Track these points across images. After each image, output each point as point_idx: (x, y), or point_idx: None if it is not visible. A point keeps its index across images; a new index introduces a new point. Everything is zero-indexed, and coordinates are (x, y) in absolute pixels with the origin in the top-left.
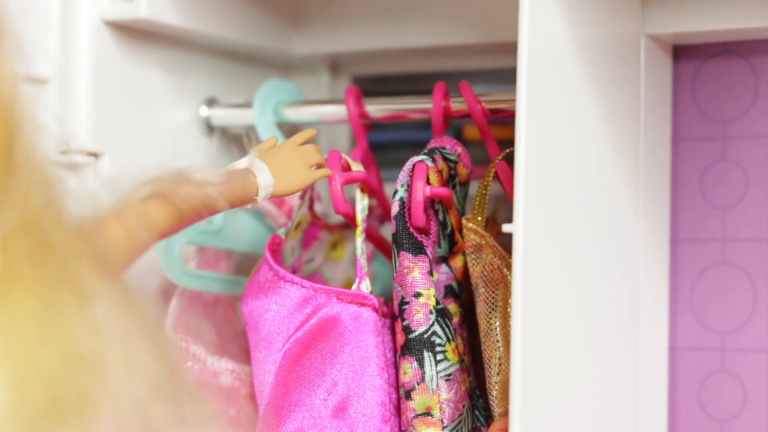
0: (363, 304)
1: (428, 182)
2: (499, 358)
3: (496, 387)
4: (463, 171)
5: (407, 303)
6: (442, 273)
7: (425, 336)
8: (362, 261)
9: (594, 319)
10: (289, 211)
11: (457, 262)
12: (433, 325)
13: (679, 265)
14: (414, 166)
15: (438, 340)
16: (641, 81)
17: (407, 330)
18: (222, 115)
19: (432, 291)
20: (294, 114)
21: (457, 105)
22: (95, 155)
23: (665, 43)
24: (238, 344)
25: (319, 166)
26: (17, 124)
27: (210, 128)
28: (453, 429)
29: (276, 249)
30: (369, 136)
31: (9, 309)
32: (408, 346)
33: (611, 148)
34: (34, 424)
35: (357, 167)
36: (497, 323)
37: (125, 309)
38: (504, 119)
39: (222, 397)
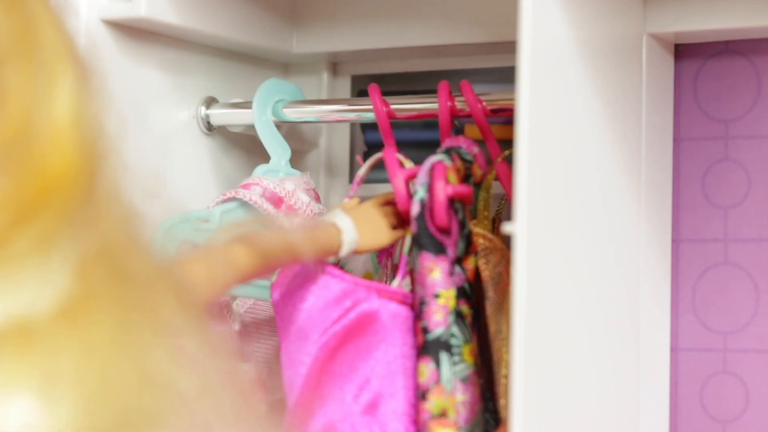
0: (403, 303)
1: (447, 181)
2: (507, 361)
3: (505, 389)
4: (477, 171)
5: (426, 303)
6: (455, 274)
7: (443, 338)
8: (408, 258)
9: (595, 320)
10: (288, 210)
11: (470, 263)
12: (451, 326)
13: (681, 265)
14: (433, 165)
15: (455, 342)
16: (643, 80)
17: (425, 331)
18: (221, 115)
19: (452, 292)
20: (293, 113)
21: (458, 105)
22: None
23: (667, 42)
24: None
25: (397, 226)
26: (100, 156)
27: (209, 128)
28: (468, 431)
29: None
30: (367, 137)
31: (86, 336)
32: (426, 347)
33: (612, 148)
34: None
35: (407, 165)
36: (505, 326)
37: (201, 342)
38: (505, 119)
39: None
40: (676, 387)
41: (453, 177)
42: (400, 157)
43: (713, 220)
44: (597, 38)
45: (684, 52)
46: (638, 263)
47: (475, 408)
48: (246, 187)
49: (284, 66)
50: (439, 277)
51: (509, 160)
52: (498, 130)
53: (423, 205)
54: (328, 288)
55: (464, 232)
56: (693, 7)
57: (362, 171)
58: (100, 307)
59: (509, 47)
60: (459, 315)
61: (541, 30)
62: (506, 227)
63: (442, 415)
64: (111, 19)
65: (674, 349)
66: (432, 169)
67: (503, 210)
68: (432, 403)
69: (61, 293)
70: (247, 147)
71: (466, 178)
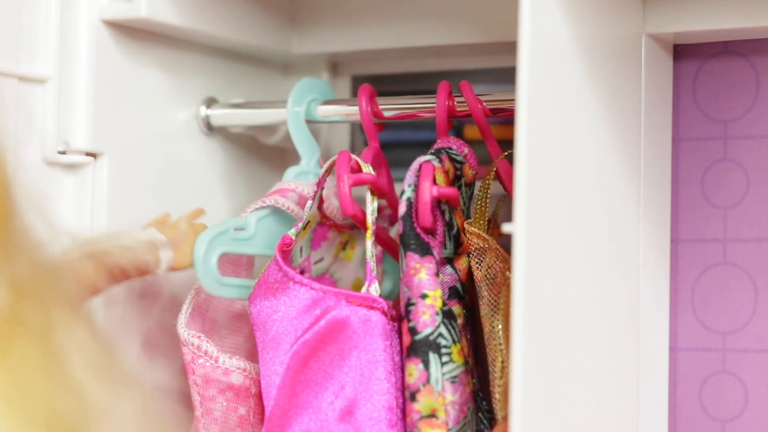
0: (372, 308)
1: (435, 182)
2: (502, 361)
3: (500, 390)
4: (469, 172)
5: (413, 304)
6: (447, 274)
7: (431, 338)
8: (372, 264)
9: (594, 320)
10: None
11: (462, 263)
12: (439, 326)
13: (680, 265)
14: (421, 166)
15: (444, 342)
16: (642, 80)
17: (413, 331)
18: (222, 115)
19: (439, 292)
20: (323, 113)
21: (458, 105)
22: (94, 155)
23: (666, 43)
24: (253, 343)
25: None
26: (13, 204)
27: (210, 128)
28: (458, 431)
29: (286, 250)
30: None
31: (16, 355)
32: (414, 348)
33: (611, 148)
34: None
35: (367, 169)
36: (500, 326)
37: (98, 352)
38: (504, 119)
39: (232, 396)
40: (675, 387)
41: (441, 178)
42: (361, 161)
43: (712, 220)
44: (596, 39)
45: (683, 52)
46: (637, 263)
47: (465, 408)
48: (282, 193)
49: (284, 66)
50: (425, 277)
51: (510, 160)
52: (498, 130)
53: (410, 204)
54: (298, 297)
55: (452, 233)
56: (692, 7)
57: (321, 173)
58: (28, 328)
59: (509, 47)
60: (447, 315)
61: (540, 30)
62: (506, 227)
63: (432, 415)
64: (111, 19)
65: (673, 349)
66: (419, 169)
67: (499, 211)
68: (421, 404)
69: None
70: (247, 147)
71: (456, 179)
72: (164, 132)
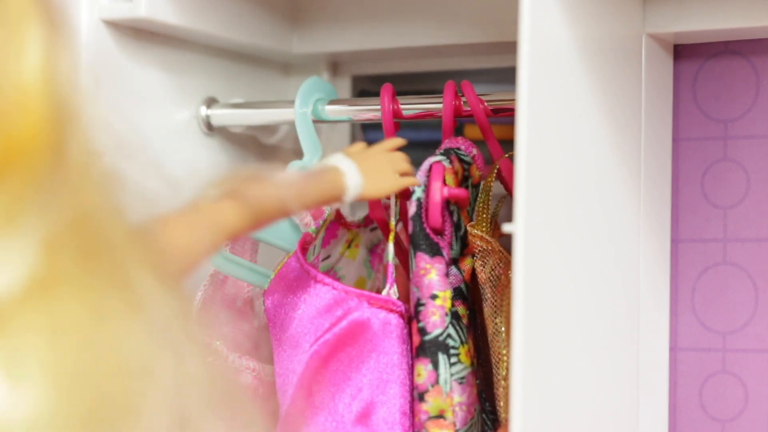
0: (392, 311)
1: (445, 183)
2: (507, 362)
3: (504, 391)
4: (476, 173)
5: (423, 305)
6: (452, 275)
7: (440, 338)
8: (392, 267)
9: (594, 320)
10: (316, 213)
11: (466, 264)
12: (448, 327)
13: (680, 265)
14: (431, 166)
15: (452, 343)
16: (642, 80)
17: (423, 332)
18: (222, 115)
19: (449, 293)
20: (331, 112)
21: (464, 105)
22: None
23: (666, 43)
24: (253, 341)
25: (406, 174)
26: (71, 116)
27: (210, 128)
28: None
29: (306, 248)
30: (367, 136)
31: (55, 316)
32: (423, 348)
33: (612, 148)
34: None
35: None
36: (503, 327)
37: (178, 318)
38: (505, 119)
39: None
40: (676, 386)
41: (450, 179)
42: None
43: (712, 219)
44: (596, 39)
45: (683, 52)
46: (638, 263)
47: (472, 409)
48: None
49: (284, 66)
50: (435, 278)
51: (512, 160)
52: (498, 130)
53: (420, 205)
54: (318, 296)
55: (459, 234)
56: (692, 7)
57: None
58: (71, 285)
59: (509, 47)
60: (456, 316)
61: (540, 30)
62: (506, 227)
63: (440, 416)
64: (111, 19)
65: (673, 349)
66: (430, 170)
67: (499, 211)
68: (430, 405)
69: (28, 270)
70: (247, 147)
71: (464, 179)
72: (164, 132)
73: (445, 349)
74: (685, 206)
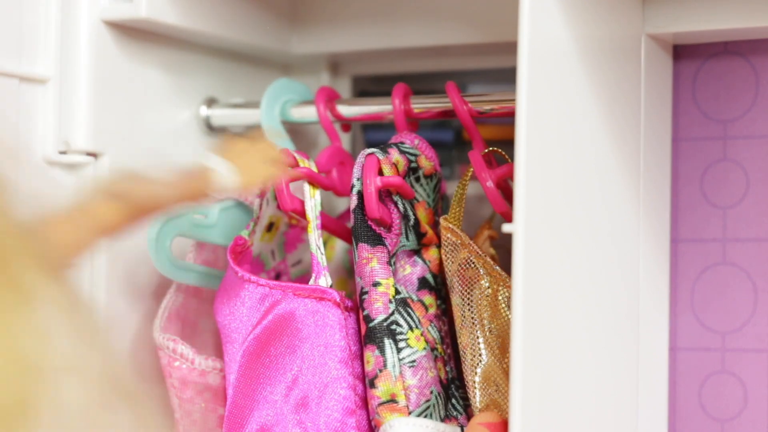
0: (322, 299)
1: (381, 174)
2: (475, 349)
3: (476, 378)
4: (426, 163)
5: (366, 293)
6: (416, 265)
7: (385, 324)
8: (318, 256)
9: (594, 319)
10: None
11: (431, 254)
12: (393, 314)
13: (680, 265)
14: (365, 158)
15: (399, 329)
16: (641, 81)
17: (367, 319)
18: (222, 115)
19: (391, 281)
20: (299, 114)
21: (443, 105)
22: (94, 155)
23: (665, 43)
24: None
25: (275, 160)
26: None
27: (210, 128)
28: (420, 414)
29: (240, 251)
30: (367, 136)
31: None
32: (369, 335)
33: (611, 148)
34: None
35: (304, 164)
36: (470, 315)
37: (69, 311)
38: (505, 119)
39: (210, 396)
40: (675, 386)
41: (388, 170)
42: (297, 155)
43: (712, 219)
44: (596, 39)
45: (682, 52)
46: (637, 263)
47: (427, 392)
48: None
49: (284, 66)
50: (377, 266)
51: (488, 158)
52: (498, 130)
53: (361, 197)
54: (249, 294)
55: (409, 224)
56: (691, 7)
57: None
58: None
59: (509, 47)
60: (402, 303)
61: (540, 30)
62: (506, 227)
63: (392, 400)
64: (111, 19)
65: (673, 349)
66: (363, 163)
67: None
68: (380, 390)
69: None
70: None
71: (412, 171)
72: (164, 132)
73: (391, 334)
74: (684, 206)
